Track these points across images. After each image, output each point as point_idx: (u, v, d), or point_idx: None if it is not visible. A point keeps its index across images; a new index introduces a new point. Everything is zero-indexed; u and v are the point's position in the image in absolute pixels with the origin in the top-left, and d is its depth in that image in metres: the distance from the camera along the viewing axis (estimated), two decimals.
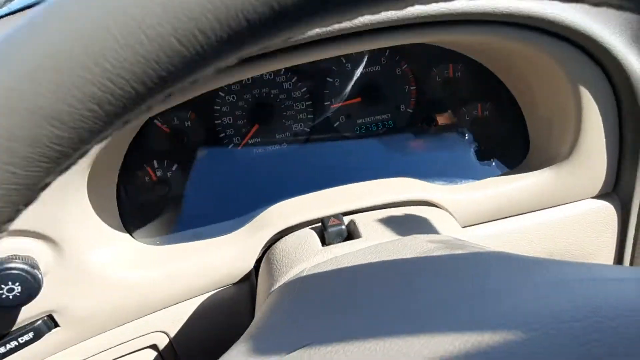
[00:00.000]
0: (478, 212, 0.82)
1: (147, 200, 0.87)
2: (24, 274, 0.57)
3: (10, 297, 0.57)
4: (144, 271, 0.74)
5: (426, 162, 0.93)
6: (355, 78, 0.89)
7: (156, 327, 0.78)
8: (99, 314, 0.71)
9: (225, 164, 0.89)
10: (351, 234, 0.69)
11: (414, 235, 0.58)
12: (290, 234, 0.72)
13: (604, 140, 0.78)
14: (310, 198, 0.80)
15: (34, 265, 0.59)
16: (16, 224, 0.60)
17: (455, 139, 0.93)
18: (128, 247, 0.78)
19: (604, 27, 0.65)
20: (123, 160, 0.83)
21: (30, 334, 0.67)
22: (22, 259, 0.58)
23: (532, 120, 0.88)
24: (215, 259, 0.77)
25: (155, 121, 0.84)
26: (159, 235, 0.85)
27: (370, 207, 0.77)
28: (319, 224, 0.74)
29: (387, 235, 0.64)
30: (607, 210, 0.85)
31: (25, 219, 0.60)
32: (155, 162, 0.87)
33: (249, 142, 0.89)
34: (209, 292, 0.79)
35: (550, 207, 0.84)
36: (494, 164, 0.91)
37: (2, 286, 0.56)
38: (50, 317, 0.69)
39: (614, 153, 0.80)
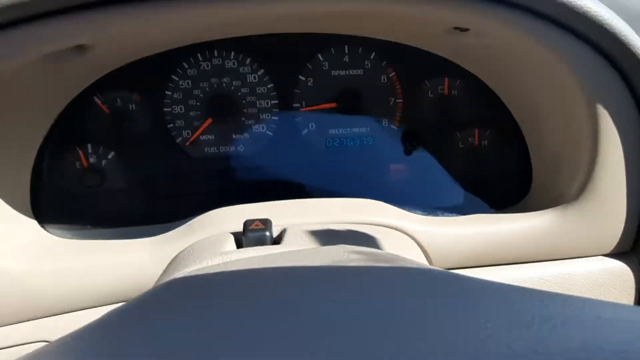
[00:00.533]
0: (459, 253, 0.65)
1: (72, 188, 0.75)
2: None
3: None
4: (39, 264, 0.61)
5: (405, 188, 0.78)
6: (332, 80, 0.76)
7: (42, 336, 0.63)
8: None
9: (170, 160, 0.77)
10: (277, 242, 0.54)
11: (342, 245, 0.43)
12: (206, 238, 0.57)
13: (624, 180, 0.62)
14: (253, 208, 0.66)
15: None
16: None
17: (445, 167, 0.78)
18: (28, 233, 0.66)
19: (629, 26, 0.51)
20: (50, 137, 0.71)
21: None
22: None
23: (537, 152, 0.72)
24: (126, 264, 0.63)
25: (95, 98, 0.74)
26: (75, 229, 0.72)
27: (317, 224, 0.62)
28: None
29: (315, 245, 0.49)
30: (622, 275, 0.67)
31: None
32: (89, 146, 0.75)
33: (200, 137, 0.77)
34: (110, 304, 0.64)
35: (552, 260, 0.67)
36: (486, 200, 0.76)
37: None
38: None
39: (636, 201, 0.63)
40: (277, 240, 0.54)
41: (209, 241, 0.54)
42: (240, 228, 0.60)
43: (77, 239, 0.70)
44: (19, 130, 0.65)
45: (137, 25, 0.49)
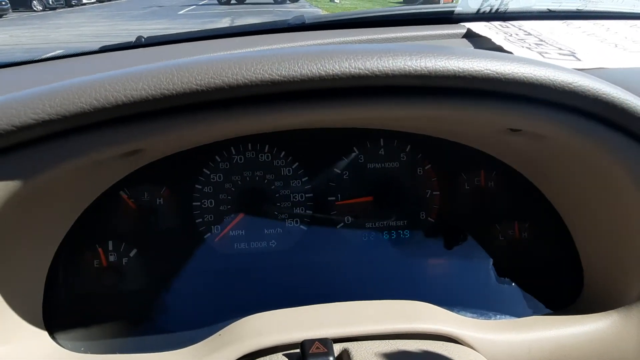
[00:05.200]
0: None
1: (89, 291, 0.68)
2: None
3: None
4: None
5: (449, 286, 0.73)
6: (369, 173, 0.74)
7: None
8: None
9: (196, 257, 0.71)
10: None
11: None
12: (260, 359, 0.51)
13: None
14: (295, 314, 0.60)
15: None
16: None
17: (486, 262, 0.75)
18: (37, 348, 0.58)
19: None
20: (71, 235, 0.66)
21: None
22: None
23: (588, 250, 0.69)
24: None
25: (122, 193, 0.70)
26: (89, 340, 0.65)
27: (373, 335, 0.57)
28: (298, 350, 0.53)
29: None
30: None
31: None
32: (110, 243, 0.70)
33: (230, 233, 0.72)
34: None
35: None
36: (537, 298, 0.71)
37: None
38: None
39: None
40: None
41: None
42: (281, 338, 0.54)
43: (89, 352, 0.62)
44: (39, 232, 0.60)
45: (196, 131, 0.46)
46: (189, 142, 0.63)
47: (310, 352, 0.46)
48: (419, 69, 0.45)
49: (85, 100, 0.40)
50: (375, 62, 0.44)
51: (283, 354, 0.50)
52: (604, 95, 0.49)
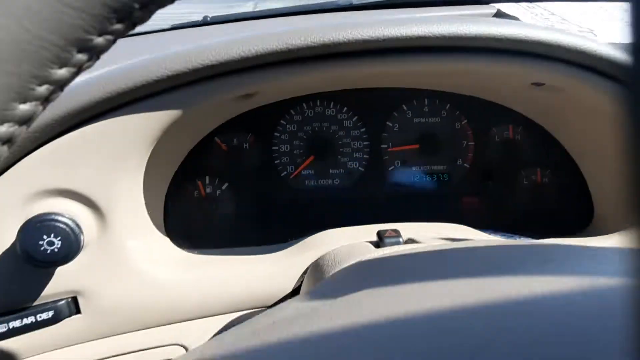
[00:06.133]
0: None
1: (193, 214, 0.86)
2: (67, 229, 0.56)
3: (48, 251, 0.55)
4: (179, 274, 0.71)
5: (481, 217, 0.89)
6: (414, 125, 0.90)
7: (177, 340, 0.71)
8: (123, 308, 0.67)
9: (276, 191, 0.89)
10: None
11: (486, 240, 0.54)
12: (341, 247, 0.68)
13: None
14: (360, 230, 0.77)
15: (79, 226, 0.58)
16: (68, 183, 0.60)
17: (512, 201, 0.90)
18: (166, 248, 0.76)
19: None
20: (178, 171, 0.84)
21: (50, 313, 0.63)
22: (68, 217, 0.57)
23: (598, 187, 0.84)
24: (253, 275, 0.72)
25: (216, 138, 0.87)
26: (199, 248, 0.83)
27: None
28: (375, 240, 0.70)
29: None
30: None
31: (78, 179, 0.60)
32: (207, 178, 0.87)
33: (302, 172, 0.89)
34: (241, 311, 0.73)
35: None
36: (553, 228, 0.86)
37: (44, 237, 0.55)
38: (75, 300, 0.65)
39: None
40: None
41: (351, 247, 0.65)
42: (353, 241, 0.71)
43: (201, 253, 0.80)
44: (161, 166, 0.78)
45: (296, 79, 0.63)
46: (288, 92, 0.80)
47: (386, 235, 0.63)
48: (467, 32, 0.61)
49: (244, 49, 0.57)
50: (436, 27, 0.60)
51: (365, 241, 0.67)
52: (603, 53, 0.64)
